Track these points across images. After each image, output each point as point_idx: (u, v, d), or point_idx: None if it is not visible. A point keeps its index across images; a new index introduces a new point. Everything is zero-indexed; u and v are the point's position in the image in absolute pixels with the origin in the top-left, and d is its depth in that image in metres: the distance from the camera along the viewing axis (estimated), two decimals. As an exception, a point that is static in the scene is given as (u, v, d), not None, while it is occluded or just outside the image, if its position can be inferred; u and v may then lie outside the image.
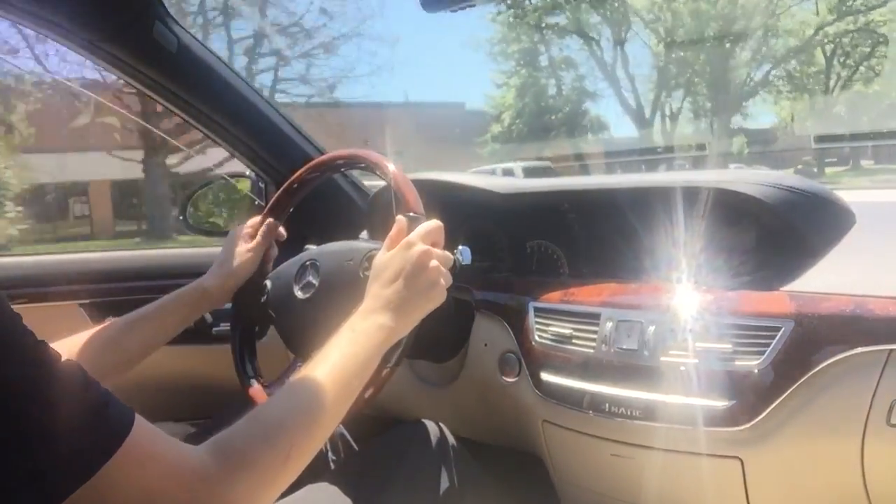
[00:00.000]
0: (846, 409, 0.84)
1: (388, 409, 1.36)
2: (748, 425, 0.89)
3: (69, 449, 0.51)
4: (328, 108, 16.39)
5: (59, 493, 0.50)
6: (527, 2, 21.32)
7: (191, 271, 1.21)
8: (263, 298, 1.15)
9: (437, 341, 1.23)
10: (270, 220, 1.17)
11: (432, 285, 0.87)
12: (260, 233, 1.16)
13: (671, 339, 0.97)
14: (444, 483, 1.01)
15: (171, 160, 14.59)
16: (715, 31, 20.86)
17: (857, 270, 0.94)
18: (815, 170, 16.56)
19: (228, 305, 1.17)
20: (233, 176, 1.75)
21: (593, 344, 1.05)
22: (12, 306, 0.53)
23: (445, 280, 0.89)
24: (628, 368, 1.00)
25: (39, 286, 1.53)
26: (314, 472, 0.88)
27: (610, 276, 1.15)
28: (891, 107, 19.40)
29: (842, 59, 21.04)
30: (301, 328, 1.09)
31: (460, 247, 0.98)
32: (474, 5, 1.10)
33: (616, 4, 21.72)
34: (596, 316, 1.06)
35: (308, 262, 1.11)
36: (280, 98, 16.53)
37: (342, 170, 1.31)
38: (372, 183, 1.64)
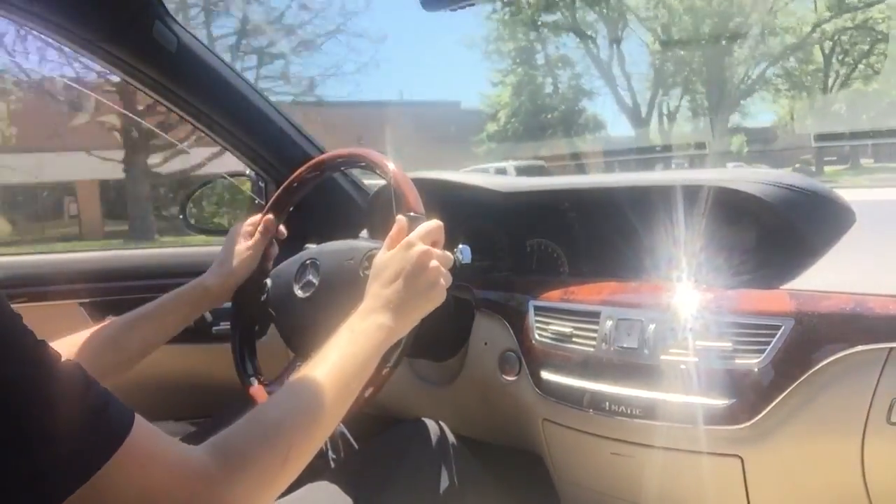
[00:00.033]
0: (846, 408, 0.84)
1: (389, 408, 1.36)
2: (748, 424, 0.89)
3: (69, 449, 0.51)
4: (311, 108, 16.13)
5: (59, 493, 0.50)
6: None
7: (191, 270, 1.21)
8: (263, 297, 1.16)
9: (437, 340, 1.23)
10: (270, 218, 1.17)
11: (432, 285, 0.87)
12: (260, 231, 1.16)
13: (671, 337, 0.97)
14: (445, 482, 1.01)
15: (153, 160, 14.24)
16: (712, 29, 20.82)
17: (857, 269, 0.94)
18: (815, 168, 16.52)
19: (228, 304, 1.17)
20: (233, 175, 1.74)
21: (593, 342, 1.04)
22: (12, 306, 0.53)
23: (445, 280, 0.89)
24: (628, 367, 1.00)
25: (39, 285, 1.53)
26: (314, 471, 0.87)
27: (610, 275, 1.15)
28: (890, 105, 19.37)
29: (840, 57, 21.02)
30: (301, 327, 1.09)
31: (460, 245, 0.98)
32: (474, 4, 1.09)
33: (612, 2, 21.69)
34: (596, 314, 1.06)
35: (308, 261, 1.11)
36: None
37: (342, 168, 1.31)
38: (372, 182, 1.64)
